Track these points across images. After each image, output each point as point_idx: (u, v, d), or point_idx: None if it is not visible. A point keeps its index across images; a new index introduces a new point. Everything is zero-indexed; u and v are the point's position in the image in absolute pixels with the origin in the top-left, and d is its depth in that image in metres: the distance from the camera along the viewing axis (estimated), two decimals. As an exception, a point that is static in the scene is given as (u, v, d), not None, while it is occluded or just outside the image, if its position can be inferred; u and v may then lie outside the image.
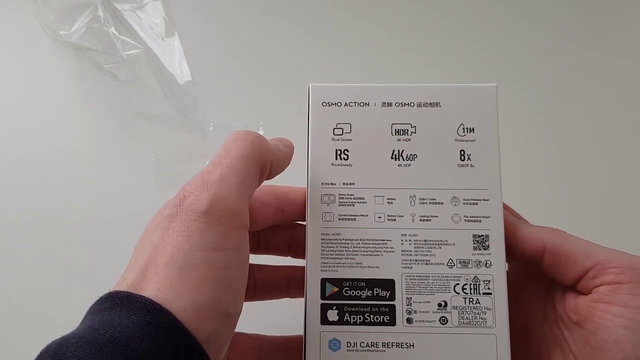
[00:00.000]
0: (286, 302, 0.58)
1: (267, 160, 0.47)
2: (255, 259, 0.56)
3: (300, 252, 0.57)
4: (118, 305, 0.37)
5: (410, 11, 0.96)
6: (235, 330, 0.44)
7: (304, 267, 0.52)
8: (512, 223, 0.50)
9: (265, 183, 0.50)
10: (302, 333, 0.49)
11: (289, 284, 0.58)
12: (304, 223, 0.52)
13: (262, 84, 0.90)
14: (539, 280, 0.53)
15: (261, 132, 0.82)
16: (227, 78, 0.90)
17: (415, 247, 0.49)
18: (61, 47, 0.90)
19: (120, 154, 0.86)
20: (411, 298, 0.48)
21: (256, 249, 0.57)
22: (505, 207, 0.51)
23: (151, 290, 0.38)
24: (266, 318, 0.59)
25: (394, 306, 0.48)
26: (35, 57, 0.91)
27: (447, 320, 0.48)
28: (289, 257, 0.58)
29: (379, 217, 0.49)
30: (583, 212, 0.82)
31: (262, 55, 0.92)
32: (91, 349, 0.34)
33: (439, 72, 0.91)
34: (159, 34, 0.87)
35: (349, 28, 0.94)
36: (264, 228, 0.55)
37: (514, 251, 0.50)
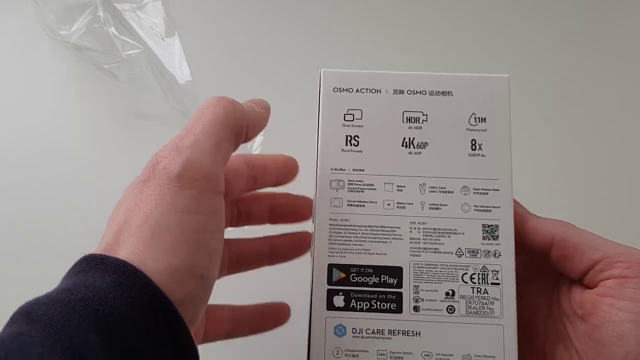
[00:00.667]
0: (290, 287, 0.58)
1: (242, 124, 0.47)
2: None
3: (279, 219, 0.59)
4: (92, 267, 0.38)
5: (410, 10, 0.97)
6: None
7: (283, 234, 0.55)
8: (521, 214, 0.50)
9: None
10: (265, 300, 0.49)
11: (271, 251, 0.59)
12: (280, 191, 0.53)
13: (262, 83, 0.90)
14: (545, 276, 0.53)
15: (261, 132, 0.83)
16: (227, 78, 0.91)
17: (424, 235, 0.48)
18: (61, 47, 0.90)
19: (120, 154, 0.86)
20: (419, 286, 0.48)
21: (237, 220, 0.58)
22: (515, 203, 0.50)
23: (124, 253, 0.38)
24: (269, 300, 0.59)
25: (401, 294, 0.48)
26: (35, 57, 0.91)
27: (454, 310, 0.47)
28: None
29: (388, 204, 0.49)
30: (593, 206, 0.83)
31: (262, 55, 0.92)
32: (62, 308, 0.35)
33: (444, 67, 0.91)
34: (159, 34, 0.88)
35: (350, 27, 0.95)
36: (239, 197, 0.56)
37: (522, 242, 0.50)
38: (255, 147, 0.84)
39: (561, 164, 0.86)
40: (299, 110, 0.69)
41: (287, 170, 0.57)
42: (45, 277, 0.70)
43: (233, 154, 0.49)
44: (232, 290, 0.52)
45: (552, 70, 0.92)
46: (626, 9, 0.97)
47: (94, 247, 0.41)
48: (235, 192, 0.53)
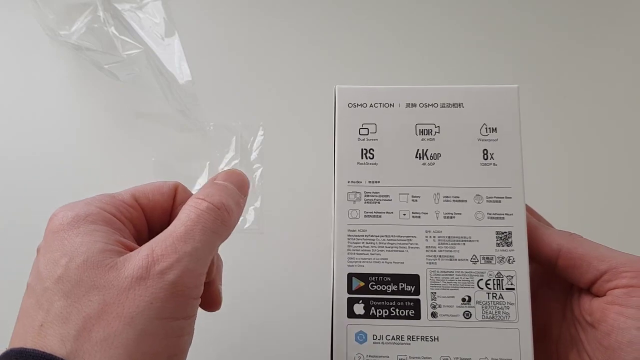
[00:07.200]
0: (312, 296, 0.58)
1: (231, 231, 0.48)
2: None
3: None
4: None
5: (419, 21, 0.97)
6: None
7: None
8: (530, 224, 0.51)
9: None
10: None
11: None
12: None
13: (262, 83, 0.91)
14: (559, 282, 0.54)
15: (261, 132, 0.82)
16: (227, 78, 0.91)
17: (439, 244, 0.50)
18: (61, 47, 0.90)
19: (120, 153, 0.87)
20: (435, 293, 0.49)
21: None
22: (527, 209, 0.52)
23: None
24: (293, 309, 0.59)
25: (418, 300, 0.49)
26: (35, 57, 0.92)
27: (470, 315, 0.48)
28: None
29: (404, 214, 0.50)
30: (603, 211, 0.84)
31: (261, 55, 0.93)
32: None
33: (455, 78, 0.93)
34: (159, 34, 0.88)
35: (349, 27, 0.95)
36: None
37: (530, 253, 0.50)
38: (255, 147, 0.85)
39: (572, 170, 0.87)
40: (299, 110, 0.70)
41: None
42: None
43: (168, 182, 0.51)
44: (256, 301, 0.51)
45: (562, 78, 0.93)
46: (638, 15, 0.98)
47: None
48: (163, 226, 0.48)
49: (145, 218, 0.49)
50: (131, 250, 0.43)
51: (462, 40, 0.96)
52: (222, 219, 0.45)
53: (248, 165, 0.85)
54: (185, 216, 0.44)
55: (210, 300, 0.52)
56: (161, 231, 0.46)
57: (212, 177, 0.50)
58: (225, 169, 0.82)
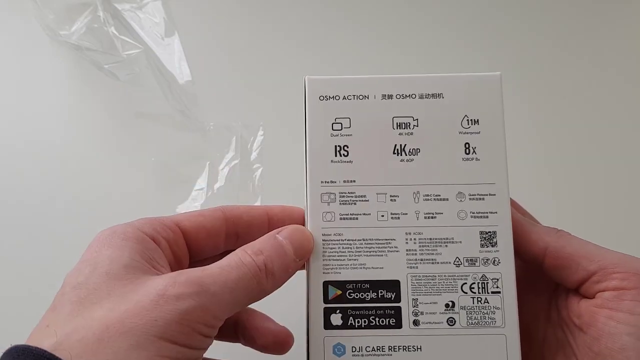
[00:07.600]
0: (287, 306, 0.56)
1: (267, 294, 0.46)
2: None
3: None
4: None
5: (409, 9, 0.96)
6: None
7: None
8: (514, 220, 0.49)
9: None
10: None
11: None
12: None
13: (262, 83, 0.91)
14: (544, 281, 0.52)
15: (261, 132, 0.82)
16: (227, 78, 0.91)
17: (420, 246, 0.47)
18: (61, 47, 0.90)
19: (120, 153, 0.86)
20: (417, 299, 0.47)
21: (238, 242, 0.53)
22: (512, 203, 0.49)
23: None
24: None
25: (399, 308, 0.47)
26: (35, 57, 0.92)
27: (455, 321, 0.46)
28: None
29: (382, 216, 0.48)
30: (589, 208, 0.83)
31: (262, 55, 0.93)
32: None
33: (440, 66, 0.92)
34: (159, 34, 0.88)
35: (350, 27, 0.95)
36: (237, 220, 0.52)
37: (514, 251, 0.48)
38: (255, 147, 0.84)
39: (558, 165, 0.86)
40: (300, 110, 0.68)
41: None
42: (44, 277, 0.71)
43: (212, 207, 0.50)
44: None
45: (547, 67, 0.92)
46: (622, 7, 0.97)
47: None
48: (209, 251, 0.51)
49: (188, 242, 0.50)
50: (158, 270, 0.44)
51: (443, 28, 0.96)
52: (258, 279, 0.44)
53: (248, 165, 0.84)
54: (226, 262, 0.44)
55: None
56: (210, 256, 0.51)
57: (278, 229, 0.48)
58: (226, 168, 0.82)
